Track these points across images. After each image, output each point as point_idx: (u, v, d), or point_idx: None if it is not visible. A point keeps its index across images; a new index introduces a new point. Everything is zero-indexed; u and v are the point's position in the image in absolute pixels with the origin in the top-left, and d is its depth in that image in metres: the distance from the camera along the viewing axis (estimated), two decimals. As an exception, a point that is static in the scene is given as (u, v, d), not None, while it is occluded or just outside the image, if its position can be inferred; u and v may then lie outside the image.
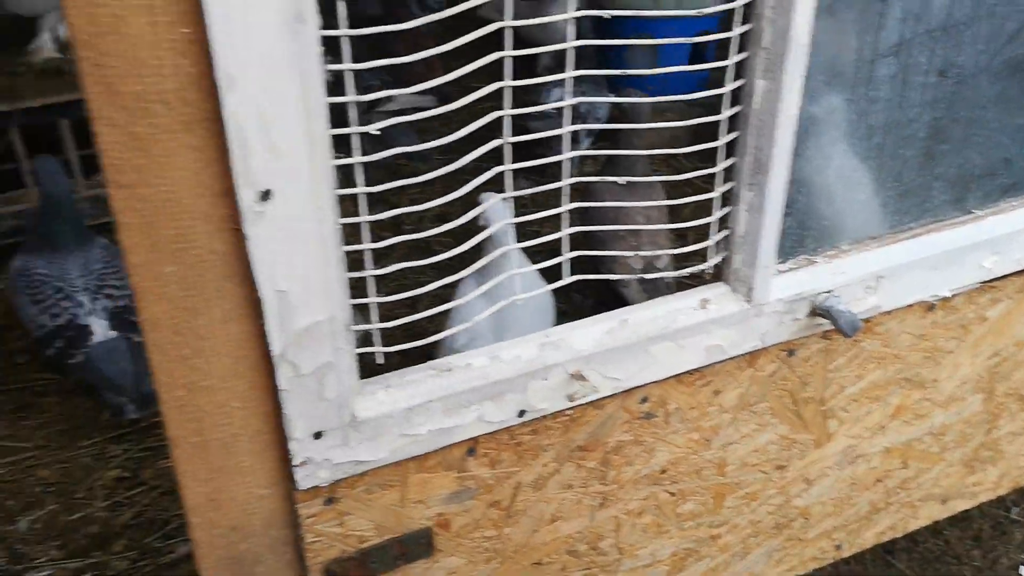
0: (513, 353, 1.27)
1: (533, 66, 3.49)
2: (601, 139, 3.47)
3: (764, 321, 1.39)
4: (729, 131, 1.26)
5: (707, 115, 1.26)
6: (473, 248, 1.23)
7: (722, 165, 1.28)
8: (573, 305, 2.48)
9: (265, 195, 0.95)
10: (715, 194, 1.30)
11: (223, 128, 0.91)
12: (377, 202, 1.09)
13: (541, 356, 1.27)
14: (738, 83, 1.22)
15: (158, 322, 1.01)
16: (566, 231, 1.26)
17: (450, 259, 1.20)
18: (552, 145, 1.12)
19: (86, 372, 2.13)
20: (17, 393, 2.32)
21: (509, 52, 1.09)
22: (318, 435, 1.15)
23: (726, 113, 1.24)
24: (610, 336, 1.31)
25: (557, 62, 3.36)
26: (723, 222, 1.34)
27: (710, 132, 1.26)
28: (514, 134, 1.14)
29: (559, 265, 1.28)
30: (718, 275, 1.40)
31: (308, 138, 0.94)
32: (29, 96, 2.60)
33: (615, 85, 3.45)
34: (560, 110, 1.19)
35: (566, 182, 1.23)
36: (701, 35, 3.65)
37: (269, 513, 1.21)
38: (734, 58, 1.20)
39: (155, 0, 0.82)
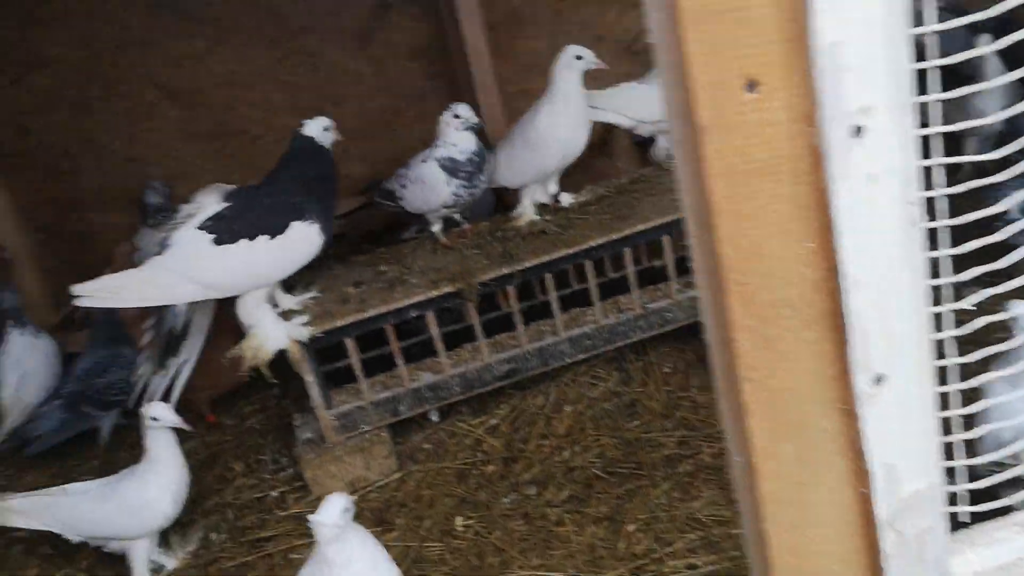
0: (1109, 508, 1.21)
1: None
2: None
3: None
4: None
5: None
6: None
7: None
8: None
9: (878, 379, 1.02)
10: None
11: (838, 322, 1.00)
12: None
13: None
14: None
15: (774, 496, 1.11)
16: None
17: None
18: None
19: None
20: (546, 523, 2.60)
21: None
22: (915, 595, 1.17)
23: None
24: None
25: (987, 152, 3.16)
26: None
27: None
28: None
29: None
30: None
31: (917, 324, 1.00)
32: (522, 258, 2.96)
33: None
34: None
35: None
36: None
37: (860, 669, 1.25)
38: None
39: (791, 225, 0.95)
